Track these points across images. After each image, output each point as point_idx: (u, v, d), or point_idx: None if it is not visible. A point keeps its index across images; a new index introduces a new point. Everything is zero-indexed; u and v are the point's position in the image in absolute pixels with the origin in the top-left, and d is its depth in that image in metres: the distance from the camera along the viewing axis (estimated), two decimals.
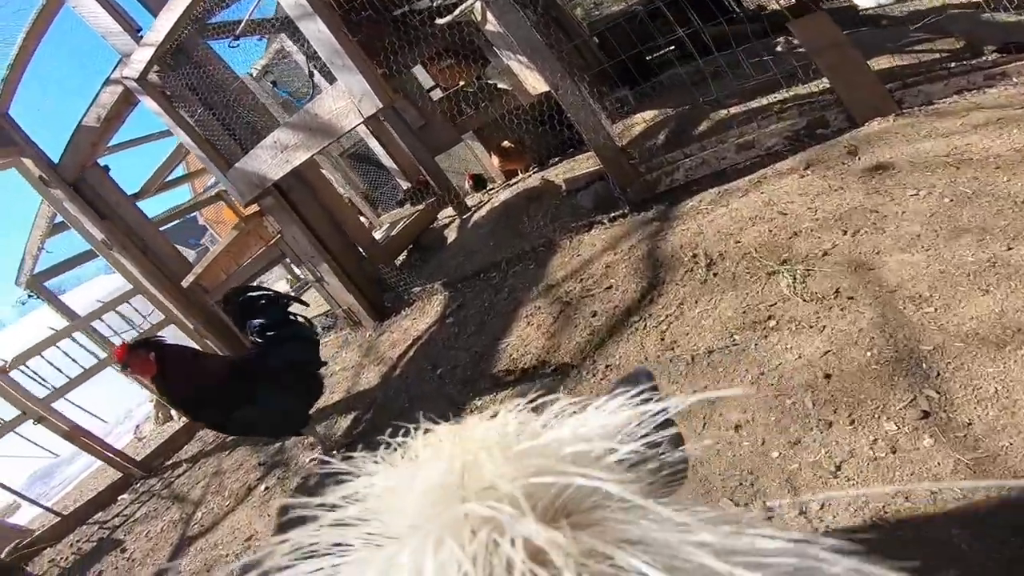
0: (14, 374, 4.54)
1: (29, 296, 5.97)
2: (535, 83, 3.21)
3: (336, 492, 0.34)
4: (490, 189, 6.15)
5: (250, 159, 3.61)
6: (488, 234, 4.09)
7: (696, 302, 1.96)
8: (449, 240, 4.85)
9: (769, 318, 1.71)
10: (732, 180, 2.59)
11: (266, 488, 2.81)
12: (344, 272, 4.12)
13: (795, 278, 1.78)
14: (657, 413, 0.34)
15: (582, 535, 0.27)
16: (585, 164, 4.38)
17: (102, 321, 5.70)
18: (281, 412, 2.44)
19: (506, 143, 5.71)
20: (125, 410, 8.99)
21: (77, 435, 4.43)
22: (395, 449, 0.38)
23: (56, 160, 4.36)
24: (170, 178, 6.04)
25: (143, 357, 2.21)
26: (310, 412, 2.62)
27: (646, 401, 0.35)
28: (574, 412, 0.36)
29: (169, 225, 8.75)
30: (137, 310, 6.03)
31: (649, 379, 0.59)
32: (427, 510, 0.30)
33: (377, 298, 4.25)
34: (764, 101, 3.09)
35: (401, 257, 5.14)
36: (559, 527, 0.27)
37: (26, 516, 7.73)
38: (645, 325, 2.01)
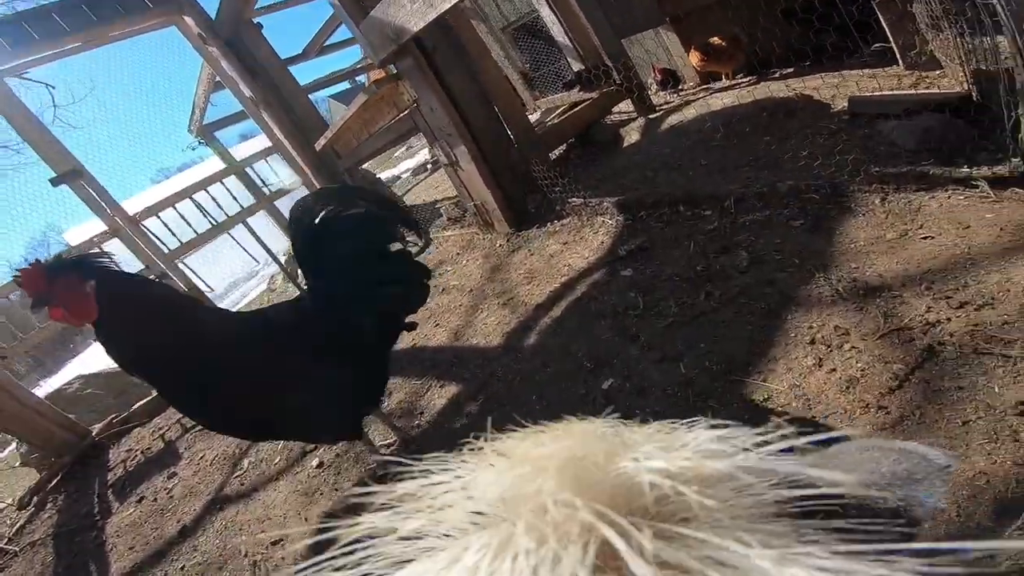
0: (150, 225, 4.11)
1: (199, 143, 6.12)
2: None
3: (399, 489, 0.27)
4: (681, 90, 4.56)
5: (387, 5, 2.52)
6: (694, 148, 2.67)
7: None
8: (627, 142, 3.47)
9: None
10: None
11: (319, 464, 1.94)
12: (484, 159, 2.96)
13: None
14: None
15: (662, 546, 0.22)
16: (860, 83, 2.69)
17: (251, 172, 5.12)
18: (320, 422, 1.41)
19: (716, 39, 4.02)
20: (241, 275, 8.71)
21: (199, 300, 3.94)
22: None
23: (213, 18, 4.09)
24: (332, 41, 5.49)
25: (76, 289, 1.15)
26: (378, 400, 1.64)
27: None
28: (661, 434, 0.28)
29: (340, 90, 8.04)
30: (275, 171, 5.45)
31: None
32: (493, 515, 0.26)
33: (520, 198, 3.09)
34: None
35: (558, 150, 3.85)
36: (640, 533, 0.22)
37: None
38: None
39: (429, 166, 7.82)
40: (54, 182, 3.59)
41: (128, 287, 1.23)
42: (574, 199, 2.74)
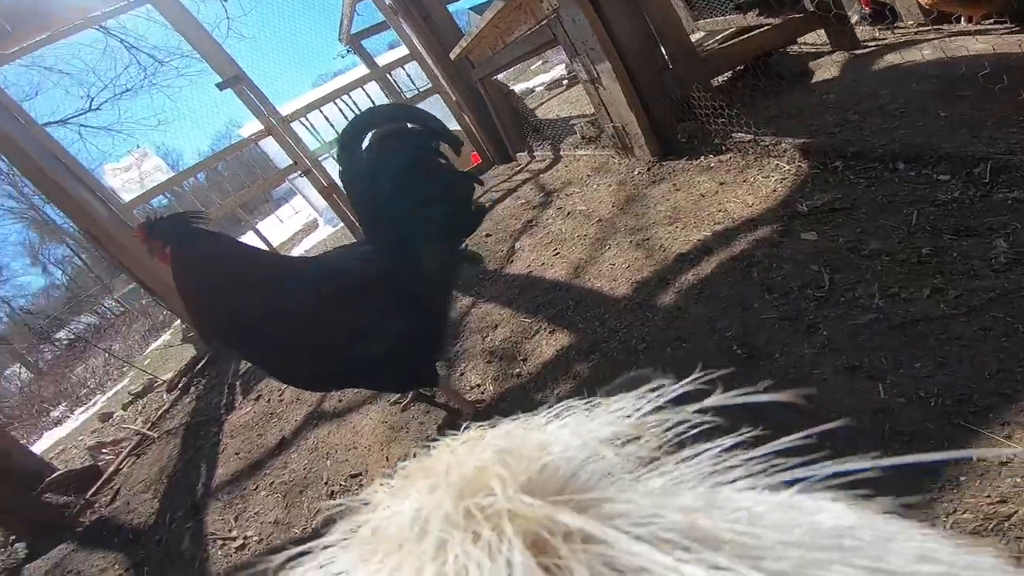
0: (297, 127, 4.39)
1: (348, 51, 6.19)
2: None
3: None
4: (897, 27, 3.54)
5: None
6: (928, 96, 1.97)
7: None
8: (819, 78, 2.74)
9: None
10: None
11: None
12: (631, 78, 2.45)
13: None
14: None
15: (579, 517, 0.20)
16: None
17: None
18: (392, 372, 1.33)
19: None
20: None
21: (331, 192, 4.19)
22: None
23: None
24: None
25: (161, 250, 1.23)
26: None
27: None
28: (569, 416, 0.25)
29: (480, 2, 7.69)
30: (410, 76, 5.45)
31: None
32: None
33: (668, 125, 2.57)
34: None
35: (722, 78, 3.19)
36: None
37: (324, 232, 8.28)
38: None
39: (565, 82, 7.16)
40: (220, 87, 3.88)
41: (198, 252, 1.23)
42: (741, 134, 2.20)
